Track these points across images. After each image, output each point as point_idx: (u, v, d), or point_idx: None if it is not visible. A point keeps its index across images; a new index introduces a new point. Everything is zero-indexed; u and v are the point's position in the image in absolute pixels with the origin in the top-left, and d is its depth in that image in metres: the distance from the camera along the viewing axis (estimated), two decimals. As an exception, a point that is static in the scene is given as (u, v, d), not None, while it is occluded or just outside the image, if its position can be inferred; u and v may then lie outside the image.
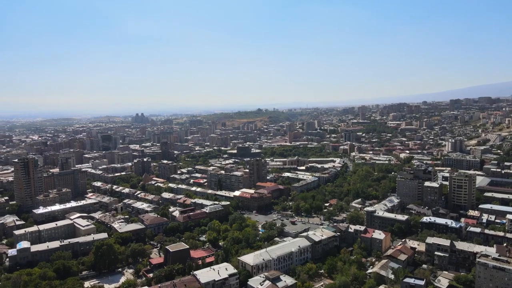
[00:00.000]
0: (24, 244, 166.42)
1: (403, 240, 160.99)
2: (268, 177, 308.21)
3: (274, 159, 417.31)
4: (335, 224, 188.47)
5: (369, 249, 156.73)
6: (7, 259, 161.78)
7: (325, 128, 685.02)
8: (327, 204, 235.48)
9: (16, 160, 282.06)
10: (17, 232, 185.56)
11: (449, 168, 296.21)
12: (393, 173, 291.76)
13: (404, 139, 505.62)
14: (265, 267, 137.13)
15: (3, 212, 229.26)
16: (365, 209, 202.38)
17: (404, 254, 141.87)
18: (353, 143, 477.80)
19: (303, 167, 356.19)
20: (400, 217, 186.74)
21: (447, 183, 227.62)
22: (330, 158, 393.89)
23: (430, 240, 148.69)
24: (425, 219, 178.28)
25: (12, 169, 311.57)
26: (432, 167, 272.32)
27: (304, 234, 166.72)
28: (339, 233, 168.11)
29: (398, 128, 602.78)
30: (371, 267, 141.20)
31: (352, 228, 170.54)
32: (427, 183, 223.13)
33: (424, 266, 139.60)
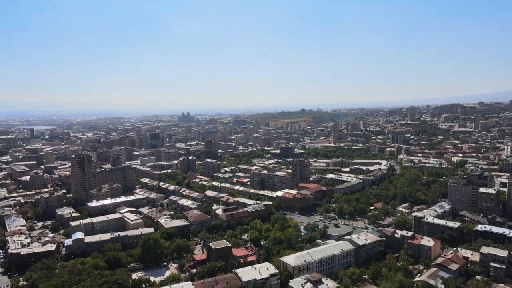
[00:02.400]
0: (79, 235, 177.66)
1: (454, 248, 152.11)
2: (311, 178, 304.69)
3: (318, 160, 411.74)
4: (380, 228, 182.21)
5: (416, 256, 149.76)
6: (64, 248, 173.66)
7: (371, 129, 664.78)
8: (372, 208, 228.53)
9: (73, 156, 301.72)
10: (72, 223, 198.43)
11: (508, 174, 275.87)
12: (444, 177, 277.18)
13: (457, 141, 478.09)
14: (307, 269, 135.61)
15: (61, 204, 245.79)
16: (413, 214, 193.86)
17: (456, 264, 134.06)
18: (401, 145, 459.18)
19: (347, 169, 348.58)
20: (451, 224, 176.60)
21: (505, 189, 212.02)
22: (375, 160, 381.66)
23: (485, 250, 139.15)
24: (479, 227, 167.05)
25: (70, 164, 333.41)
26: (489, 172, 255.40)
27: (348, 237, 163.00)
28: (384, 238, 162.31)
29: (451, 130, 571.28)
30: (418, 275, 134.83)
31: (399, 233, 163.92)
32: (482, 189, 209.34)
33: (478, 277, 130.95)
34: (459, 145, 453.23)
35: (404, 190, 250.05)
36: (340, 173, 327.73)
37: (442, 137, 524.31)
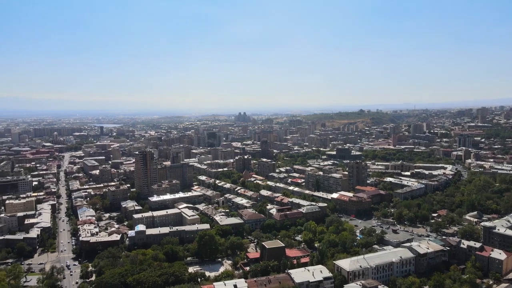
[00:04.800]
0: (141, 227, 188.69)
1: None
2: (368, 181, 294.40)
3: (376, 163, 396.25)
4: (444, 237, 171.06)
5: (485, 270, 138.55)
6: (127, 239, 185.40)
7: (435, 131, 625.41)
8: (435, 215, 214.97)
9: (136, 153, 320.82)
10: (135, 216, 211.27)
11: None
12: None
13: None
14: (362, 275, 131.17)
15: (125, 198, 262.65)
16: (482, 224, 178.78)
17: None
18: (469, 149, 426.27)
19: (408, 173, 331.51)
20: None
21: None
22: (440, 165, 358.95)
23: None
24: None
25: (134, 160, 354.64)
26: None
27: (407, 244, 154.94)
28: (448, 248, 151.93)
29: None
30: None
31: (465, 243, 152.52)
32: None
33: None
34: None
35: (473, 197, 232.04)
36: (400, 177, 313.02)
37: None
